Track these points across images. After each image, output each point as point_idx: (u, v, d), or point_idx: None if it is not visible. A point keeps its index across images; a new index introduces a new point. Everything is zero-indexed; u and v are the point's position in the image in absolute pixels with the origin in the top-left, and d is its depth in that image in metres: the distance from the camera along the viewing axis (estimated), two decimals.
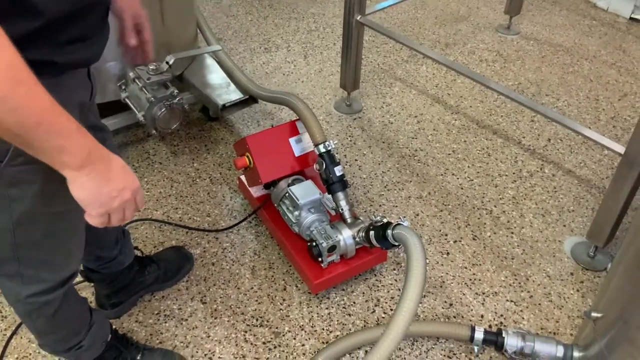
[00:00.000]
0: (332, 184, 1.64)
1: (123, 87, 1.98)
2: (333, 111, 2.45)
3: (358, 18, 2.19)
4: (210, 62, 2.30)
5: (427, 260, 1.81)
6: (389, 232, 1.41)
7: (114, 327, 1.44)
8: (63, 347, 1.30)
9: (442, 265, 1.80)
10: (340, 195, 1.65)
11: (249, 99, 2.16)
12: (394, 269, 1.78)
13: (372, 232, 1.49)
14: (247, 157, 1.74)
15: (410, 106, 2.48)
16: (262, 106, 2.42)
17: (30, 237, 1.03)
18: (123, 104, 1.99)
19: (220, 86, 2.18)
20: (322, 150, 1.66)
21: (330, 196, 1.67)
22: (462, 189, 2.08)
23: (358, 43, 2.27)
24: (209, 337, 1.60)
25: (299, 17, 3.14)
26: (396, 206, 2.00)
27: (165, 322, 1.63)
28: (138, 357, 1.46)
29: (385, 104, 2.50)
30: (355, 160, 2.20)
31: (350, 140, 2.29)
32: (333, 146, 1.67)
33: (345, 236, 1.60)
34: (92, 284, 1.63)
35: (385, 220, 1.47)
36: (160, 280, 1.69)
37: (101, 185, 0.85)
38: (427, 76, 2.67)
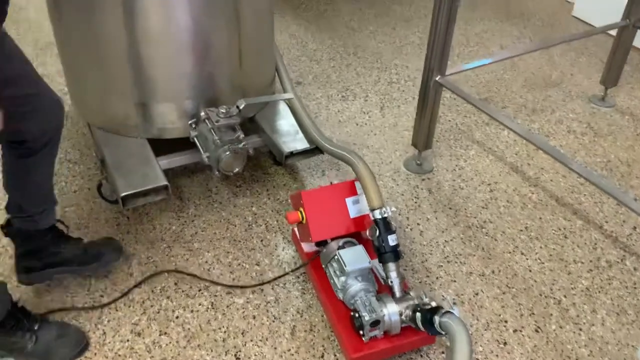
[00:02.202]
0: (384, 253, 1.55)
1: (193, 126, 2.00)
2: (402, 169, 2.37)
3: (437, 79, 2.11)
4: (282, 107, 2.29)
5: (481, 349, 1.66)
6: (437, 318, 1.30)
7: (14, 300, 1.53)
8: None
9: (496, 355, 1.65)
10: (392, 266, 1.55)
11: (315, 149, 2.12)
12: (443, 353, 1.65)
13: (418, 314, 1.38)
14: (301, 212, 1.69)
15: (484, 173, 2.35)
16: (329, 156, 2.37)
17: None
18: (192, 142, 2.02)
19: (289, 133, 2.16)
20: (378, 216, 1.57)
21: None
22: (530, 271, 1.92)
23: (435, 103, 2.19)
24: None
25: (381, 67, 3.10)
26: (455, 281, 1.87)
27: None
28: (35, 327, 1.52)
29: (458, 167, 2.38)
30: (418, 224, 2.09)
31: (415, 202, 2.19)
32: (390, 213, 1.58)
33: (391, 312, 1.49)
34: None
35: (434, 304, 1.36)
36: (78, 260, 1.74)
37: None
38: (507, 142, 2.53)
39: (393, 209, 1.61)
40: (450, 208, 2.17)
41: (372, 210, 1.58)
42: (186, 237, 2.01)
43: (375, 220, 1.57)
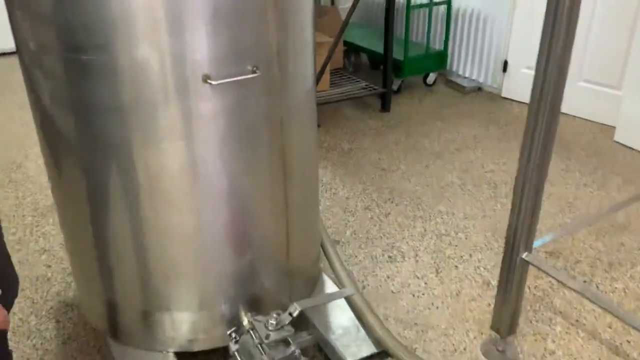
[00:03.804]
0: None
1: (234, 337, 1.61)
2: (481, 358, 1.95)
3: (524, 256, 1.76)
4: (334, 290, 1.91)
5: None
6: None
7: None
8: None
9: None
10: None
11: (383, 352, 1.72)
12: None
13: None
14: None
15: (581, 358, 1.94)
16: None
17: None
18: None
19: (347, 331, 1.77)
20: None
21: None
22: None
23: (520, 283, 1.82)
24: None
25: (425, 216, 2.76)
26: None
27: None
28: None
29: (547, 351, 1.97)
30: None
31: None
32: None
33: None
34: None
35: None
36: None
37: None
38: (594, 311, 2.14)
39: None
40: None
41: None
42: None
43: None
